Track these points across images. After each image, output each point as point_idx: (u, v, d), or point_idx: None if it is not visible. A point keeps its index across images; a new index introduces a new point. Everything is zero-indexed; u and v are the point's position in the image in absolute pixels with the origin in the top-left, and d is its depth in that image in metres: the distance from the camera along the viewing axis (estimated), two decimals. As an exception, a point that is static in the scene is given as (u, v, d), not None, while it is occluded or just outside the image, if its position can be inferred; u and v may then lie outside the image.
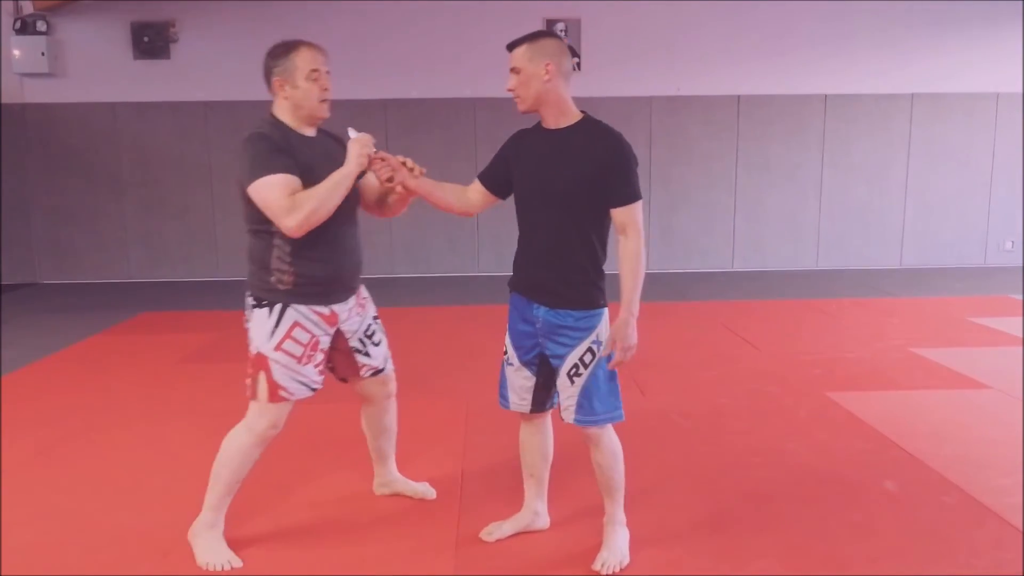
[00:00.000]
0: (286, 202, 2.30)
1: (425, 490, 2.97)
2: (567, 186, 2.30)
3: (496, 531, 2.65)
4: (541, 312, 2.39)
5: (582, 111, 2.39)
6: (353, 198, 2.52)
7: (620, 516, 2.55)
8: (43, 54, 7.93)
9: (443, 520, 2.80)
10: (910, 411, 3.94)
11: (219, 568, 2.46)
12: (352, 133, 2.47)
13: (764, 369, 4.73)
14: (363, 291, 2.71)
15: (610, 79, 8.25)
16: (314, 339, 2.48)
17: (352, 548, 2.61)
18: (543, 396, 2.53)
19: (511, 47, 2.36)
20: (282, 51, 2.44)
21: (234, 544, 2.56)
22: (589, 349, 2.36)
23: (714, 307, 6.44)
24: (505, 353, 2.54)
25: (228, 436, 2.54)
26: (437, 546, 2.62)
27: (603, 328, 2.38)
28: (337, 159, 2.43)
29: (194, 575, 2.45)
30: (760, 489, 3.05)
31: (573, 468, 3.04)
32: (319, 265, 2.46)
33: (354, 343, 2.64)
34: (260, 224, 2.44)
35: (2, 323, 6.27)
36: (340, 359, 2.66)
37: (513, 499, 2.91)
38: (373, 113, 8.15)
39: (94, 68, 8.15)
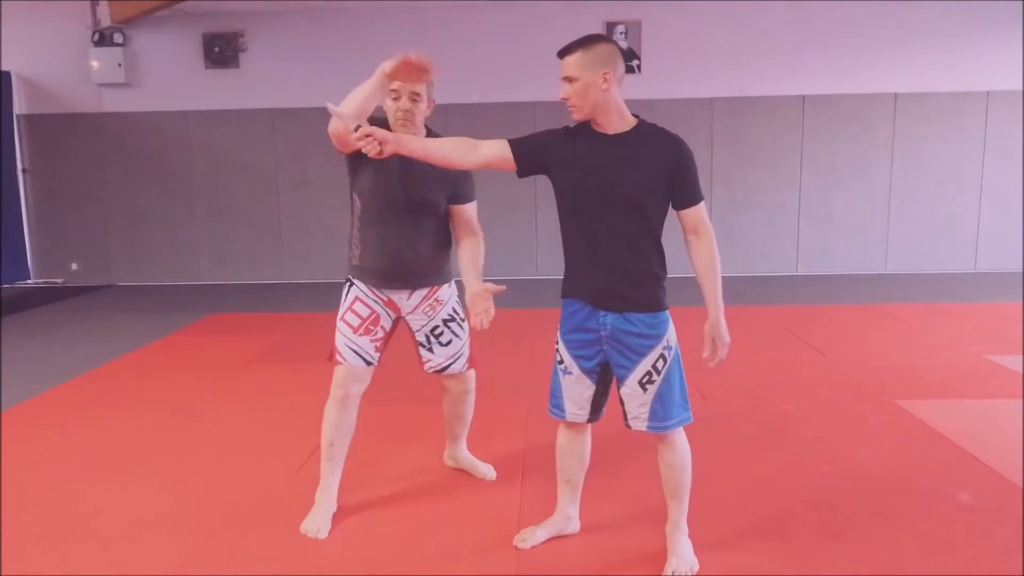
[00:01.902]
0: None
1: (486, 471, 3.18)
2: (635, 191, 2.28)
3: (530, 537, 2.65)
4: (609, 319, 2.36)
5: (635, 115, 2.36)
6: (402, 207, 2.68)
7: (684, 523, 2.53)
8: (120, 65, 8.27)
9: (506, 516, 2.81)
10: (985, 420, 3.80)
11: (310, 533, 2.70)
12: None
13: (831, 376, 4.62)
14: (441, 293, 2.85)
15: (671, 80, 8.18)
16: (374, 314, 2.72)
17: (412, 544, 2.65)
18: (600, 405, 2.52)
19: (563, 54, 2.29)
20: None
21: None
22: (661, 356, 2.35)
23: (778, 312, 6.32)
24: (561, 362, 2.49)
25: None
26: (503, 539, 2.64)
27: (671, 332, 2.37)
28: (417, 169, 2.65)
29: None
30: (828, 497, 2.99)
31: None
32: (369, 252, 2.75)
33: (420, 338, 2.84)
34: (350, 200, 2.79)
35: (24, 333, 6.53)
36: (415, 351, 2.91)
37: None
38: (434, 118, 8.23)
39: (167, 78, 8.46)
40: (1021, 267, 8.34)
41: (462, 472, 3.25)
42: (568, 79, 2.28)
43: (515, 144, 2.44)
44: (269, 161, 8.58)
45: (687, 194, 2.31)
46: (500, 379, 4.56)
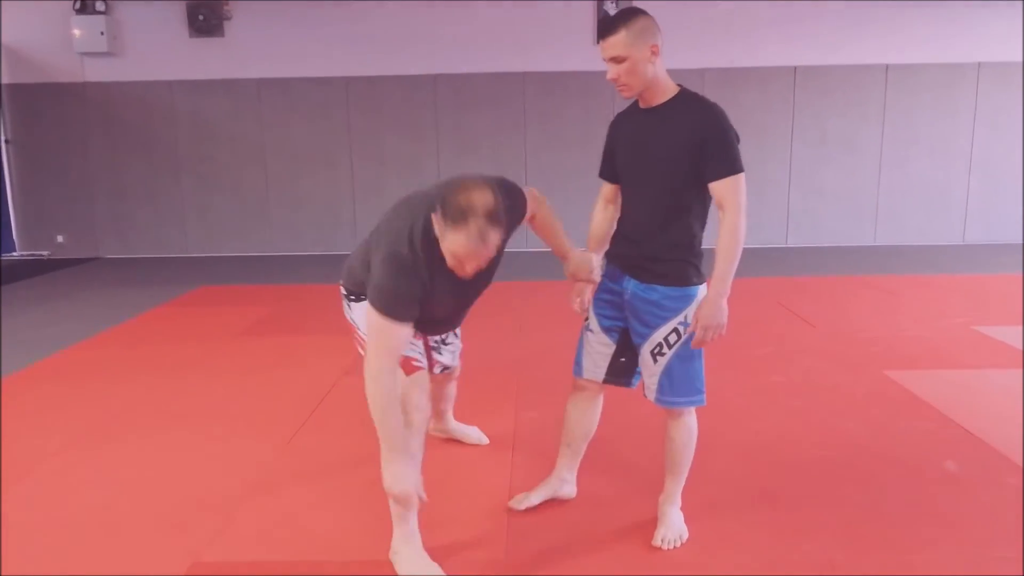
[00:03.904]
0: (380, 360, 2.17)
1: (478, 436, 3.24)
2: (665, 162, 2.25)
3: (524, 500, 2.67)
4: (631, 285, 2.37)
5: (678, 84, 2.32)
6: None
7: (678, 497, 2.54)
8: (102, 33, 8.12)
9: (497, 487, 2.83)
10: (972, 390, 3.84)
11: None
12: None
13: (819, 347, 4.65)
14: None
15: (662, 52, 8.10)
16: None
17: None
18: (618, 368, 2.50)
19: (605, 33, 2.23)
20: (453, 216, 2.03)
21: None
22: (675, 330, 2.32)
23: (767, 283, 6.32)
24: (586, 320, 2.53)
25: None
26: (493, 510, 2.65)
27: (693, 309, 2.32)
28: (466, 288, 2.33)
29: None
30: (816, 467, 3.01)
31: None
32: None
33: (432, 342, 2.69)
34: None
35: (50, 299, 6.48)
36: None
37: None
38: (423, 88, 8.18)
39: (151, 47, 8.32)
40: (1009, 239, 8.39)
41: (450, 441, 3.26)
42: (616, 59, 2.23)
43: (604, 173, 2.55)
44: (255, 132, 8.48)
45: (715, 166, 2.21)
46: (491, 352, 4.57)
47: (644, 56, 2.21)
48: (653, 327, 2.34)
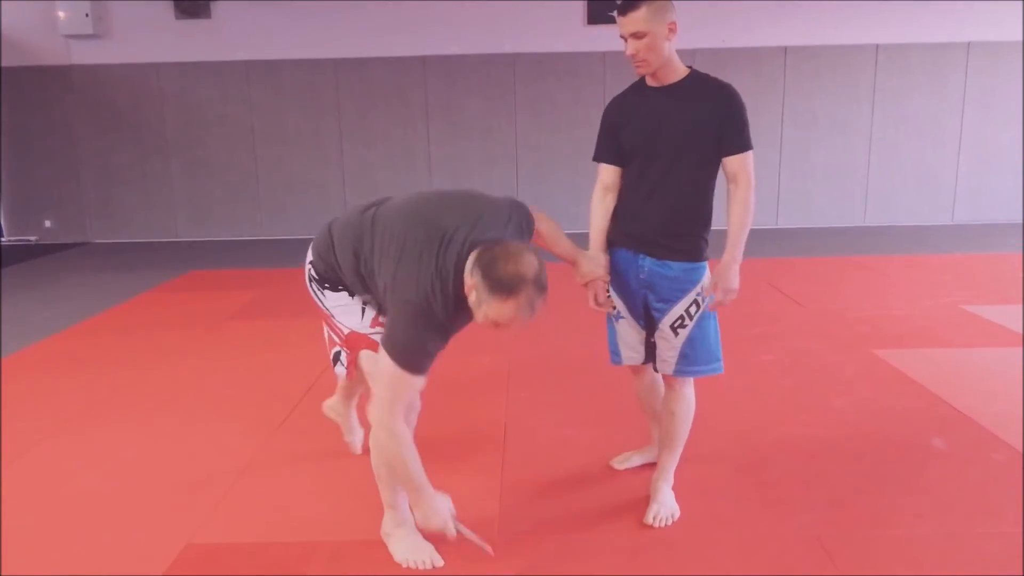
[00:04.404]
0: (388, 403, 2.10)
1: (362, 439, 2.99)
2: (684, 139, 2.31)
3: (626, 461, 2.83)
4: (647, 263, 2.40)
5: (688, 65, 2.37)
6: None
7: (671, 474, 2.58)
8: (87, 15, 8.02)
9: (489, 468, 2.84)
10: (960, 368, 3.87)
11: (421, 566, 2.26)
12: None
13: (809, 326, 4.67)
14: None
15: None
16: None
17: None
18: (651, 349, 2.53)
19: (626, 10, 2.25)
20: (495, 288, 1.96)
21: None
22: (695, 301, 2.39)
23: (758, 264, 6.32)
24: (613, 308, 2.53)
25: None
26: (485, 491, 2.66)
27: (707, 280, 2.41)
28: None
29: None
30: (805, 446, 3.03)
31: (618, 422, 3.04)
32: None
33: None
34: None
35: (43, 283, 6.45)
36: None
37: (556, 451, 2.95)
38: (412, 69, 8.12)
39: (137, 29, 8.23)
40: (998, 219, 8.42)
41: (445, 421, 3.23)
42: (636, 35, 2.26)
43: (602, 156, 2.50)
44: (244, 115, 8.42)
45: (731, 141, 2.31)
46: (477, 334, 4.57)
47: (663, 33, 2.26)
48: (673, 300, 2.39)
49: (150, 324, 5.04)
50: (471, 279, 2.00)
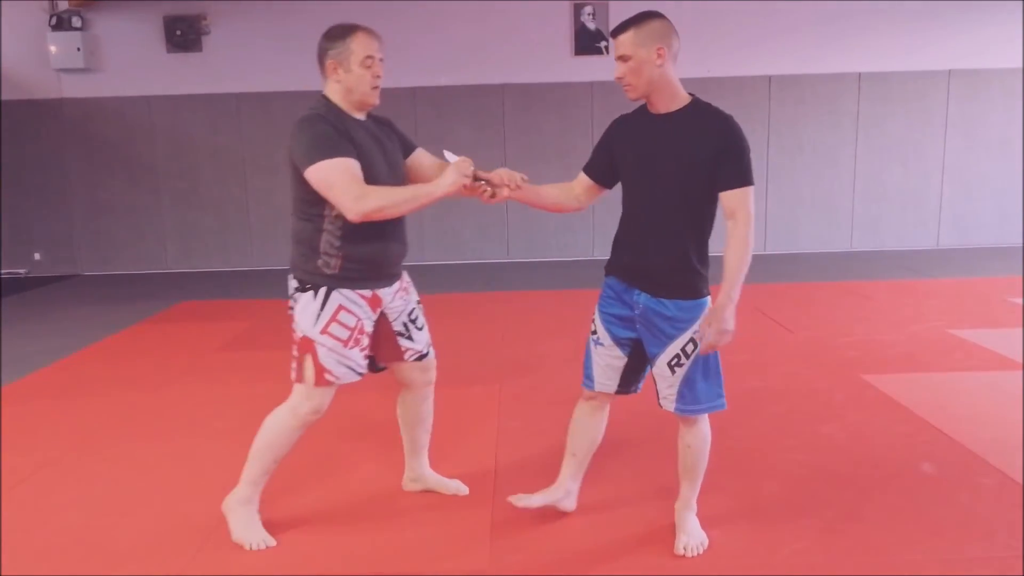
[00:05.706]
0: (355, 189, 2.27)
1: (457, 487, 2.92)
2: (678, 170, 2.25)
3: (525, 499, 2.62)
4: (642, 299, 2.35)
5: (690, 93, 2.34)
6: (401, 182, 2.52)
7: (695, 503, 2.56)
8: (79, 49, 8.06)
9: (477, 508, 2.83)
10: (948, 393, 3.90)
11: (253, 546, 2.54)
12: (450, 156, 2.41)
13: (798, 352, 4.70)
14: (406, 277, 2.69)
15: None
16: (359, 323, 2.46)
17: (386, 535, 2.65)
18: (631, 379, 2.50)
19: (616, 33, 2.27)
20: (338, 34, 2.44)
21: (268, 525, 2.62)
22: (691, 340, 2.32)
23: (746, 290, 6.20)
24: (594, 332, 2.48)
25: (270, 416, 2.57)
26: (472, 535, 2.64)
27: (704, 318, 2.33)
28: (386, 145, 2.51)
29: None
30: (795, 472, 3.05)
31: (601, 456, 3.05)
32: (367, 249, 2.44)
33: (398, 326, 2.62)
34: (311, 207, 2.40)
35: (30, 316, 6.43)
36: (383, 344, 2.62)
37: (548, 481, 2.94)
38: (402, 101, 8.19)
39: (129, 62, 8.28)
40: (982, 243, 8.51)
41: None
42: (622, 58, 2.27)
43: (587, 167, 2.53)
44: (235, 146, 8.46)
45: (727, 176, 2.23)
46: (469, 364, 4.58)
47: (649, 58, 2.24)
48: (670, 338, 2.33)
49: (141, 355, 5.02)
50: (328, 62, 2.42)
